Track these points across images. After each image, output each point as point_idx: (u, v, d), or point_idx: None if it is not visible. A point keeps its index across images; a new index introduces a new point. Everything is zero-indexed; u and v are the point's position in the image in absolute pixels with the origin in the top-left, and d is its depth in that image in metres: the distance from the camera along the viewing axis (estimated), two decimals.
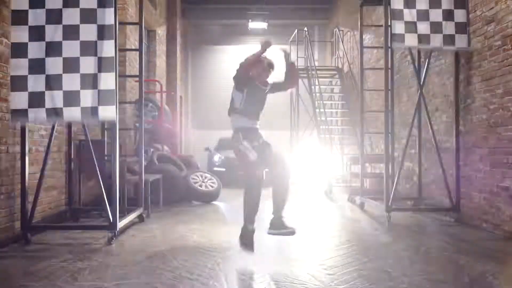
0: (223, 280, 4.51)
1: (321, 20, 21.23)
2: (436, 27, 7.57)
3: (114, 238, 6.30)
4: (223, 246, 6.03)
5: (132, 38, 11.57)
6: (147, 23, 13.72)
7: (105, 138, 8.12)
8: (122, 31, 10.15)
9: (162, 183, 10.00)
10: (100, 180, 6.58)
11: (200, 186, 10.84)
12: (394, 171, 9.02)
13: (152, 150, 11.62)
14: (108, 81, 5.94)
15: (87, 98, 5.89)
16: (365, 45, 10.68)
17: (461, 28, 7.54)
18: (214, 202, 10.77)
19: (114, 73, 5.96)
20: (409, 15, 7.62)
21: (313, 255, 5.62)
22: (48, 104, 5.81)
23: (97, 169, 6.66)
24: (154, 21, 14.97)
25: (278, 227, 5.66)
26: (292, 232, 5.63)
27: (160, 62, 15.97)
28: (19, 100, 5.76)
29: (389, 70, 8.66)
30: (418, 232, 7.15)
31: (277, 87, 5.99)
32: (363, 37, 10.38)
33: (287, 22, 21.05)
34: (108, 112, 5.95)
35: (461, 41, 7.51)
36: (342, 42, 16.42)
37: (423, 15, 7.59)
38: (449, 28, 7.56)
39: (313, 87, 15.39)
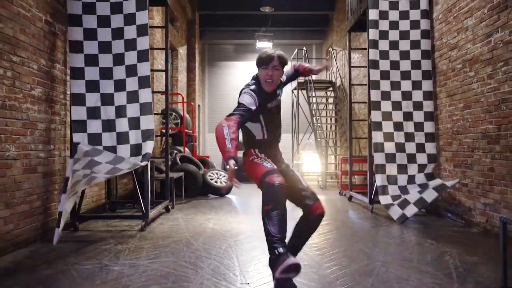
0: (234, 259, 4.91)
1: (317, 40, 21.52)
2: (405, 55, 7.98)
3: (146, 226, 6.71)
4: (234, 232, 6.41)
5: (159, 58, 11.98)
6: (170, 44, 14.13)
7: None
8: (150, 53, 10.55)
9: (184, 180, 10.42)
10: (135, 178, 7.00)
11: (216, 182, 11.16)
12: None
13: (175, 152, 12.04)
14: (146, 95, 6.54)
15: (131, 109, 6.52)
16: (353, 64, 11.05)
17: (426, 54, 7.95)
18: (227, 196, 11.13)
19: (150, 89, 6.53)
20: (383, 44, 8.03)
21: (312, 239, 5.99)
22: (103, 116, 6.33)
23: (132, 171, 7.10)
24: (177, 42, 15.38)
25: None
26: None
27: (182, 77, 16.38)
28: (78, 112, 6.26)
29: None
30: (394, 221, 7.49)
31: (291, 78, 4.28)
32: (352, 56, 10.74)
33: (288, 41, 21.44)
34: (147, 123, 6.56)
35: (426, 65, 7.94)
36: (335, 60, 16.73)
37: (394, 45, 8.01)
38: (415, 55, 7.97)
39: (310, 98, 15.74)
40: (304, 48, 16.81)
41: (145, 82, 6.49)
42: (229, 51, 22.89)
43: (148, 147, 6.40)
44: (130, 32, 6.52)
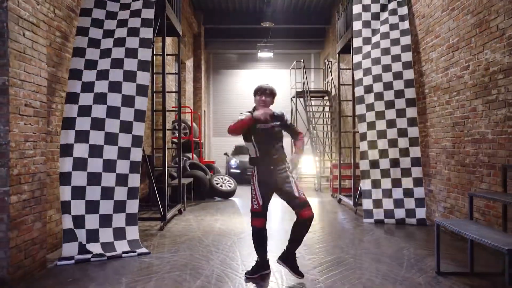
0: (237, 252, 6.24)
1: (315, 50, 22.63)
2: (387, 68, 8.91)
3: (164, 226, 8.04)
4: (237, 231, 7.73)
5: (169, 68, 13.27)
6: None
7: (154, 154, 9.78)
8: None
9: (193, 184, 11.71)
10: (154, 184, 8.30)
11: (221, 186, 12.42)
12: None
13: (185, 159, 13.31)
14: (142, 102, 6.63)
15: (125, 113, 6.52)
16: (345, 79, 12.29)
17: (410, 83, 8.68)
18: (231, 198, 12.41)
19: (143, 123, 7.45)
20: (366, 62, 9.04)
21: None
22: (91, 140, 6.34)
23: (152, 177, 8.44)
24: (184, 55, 16.67)
25: (289, 262, 5.11)
26: (300, 276, 5.05)
27: (189, 87, 17.67)
28: (71, 110, 6.31)
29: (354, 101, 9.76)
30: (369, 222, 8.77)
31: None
32: (345, 72, 11.97)
33: (288, 51, 22.72)
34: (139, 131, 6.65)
35: (408, 75, 8.72)
36: (331, 71, 17.97)
37: (376, 61, 8.95)
38: (397, 67, 8.75)
39: (308, 107, 17.01)
40: (302, 60, 18.06)
41: (140, 115, 6.60)
42: (232, 60, 24.19)
43: (135, 180, 6.52)
44: (129, 64, 6.62)
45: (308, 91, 17.61)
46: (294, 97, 18.72)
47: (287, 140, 7.62)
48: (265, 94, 5.03)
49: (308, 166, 16.99)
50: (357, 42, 9.40)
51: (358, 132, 9.24)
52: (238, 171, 16.65)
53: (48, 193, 6.03)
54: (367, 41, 9.34)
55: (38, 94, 5.25)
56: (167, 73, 9.87)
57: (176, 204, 9.71)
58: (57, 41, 6.31)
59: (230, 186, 12.60)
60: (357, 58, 9.30)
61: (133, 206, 6.50)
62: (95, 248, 6.04)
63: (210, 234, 7.54)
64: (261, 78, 23.75)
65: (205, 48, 21.41)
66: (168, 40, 13.00)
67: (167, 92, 9.52)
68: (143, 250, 6.25)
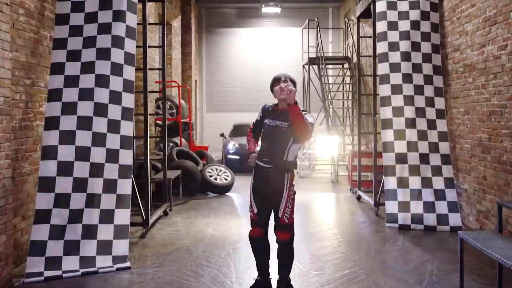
0: (232, 267, 6.80)
1: (334, 3, 22.99)
2: (416, 47, 9.52)
3: (147, 232, 8.60)
4: (233, 239, 8.27)
5: (151, 35, 13.69)
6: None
7: (134, 143, 10.21)
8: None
9: (181, 177, 12.23)
10: (133, 180, 8.75)
11: (215, 179, 12.92)
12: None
13: (171, 145, 13.79)
14: (129, 99, 7.39)
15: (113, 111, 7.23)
16: (363, 52, 12.68)
17: (438, 70, 9.31)
18: (228, 194, 12.93)
19: (132, 122, 7.81)
20: (392, 35, 9.49)
21: (306, 245, 7.83)
22: (77, 142, 6.95)
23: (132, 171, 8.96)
24: (170, 15, 17.00)
25: None
26: None
27: (176, 53, 18.06)
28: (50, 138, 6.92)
29: (377, 77, 10.21)
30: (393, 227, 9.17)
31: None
32: (365, 38, 12.31)
33: (300, 5, 22.88)
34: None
35: (436, 60, 9.51)
36: (352, 33, 18.26)
37: (404, 36, 9.44)
38: (426, 47, 9.36)
39: (323, 78, 17.38)
40: (316, 19, 18.34)
41: (128, 113, 7.27)
42: (230, 16, 24.54)
43: (125, 186, 7.18)
44: (116, 55, 7.25)
45: (324, 57, 17.94)
46: (306, 64, 19.07)
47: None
48: (283, 81, 5.51)
49: (323, 151, 17.32)
50: (380, 5, 9.73)
51: (379, 115, 9.69)
52: (237, 157, 17.00)
53: (11, 199, 6.56)
54: (392, 5, 9.65)
55: (2, 89, 5.75)
56: (149, 46, 10.32)
57: (161, 203, 10.26)
58: (21, 20, 6.77)
59: (226, 179, 13.11)
60: (381, 26, 9.66)
61: (122, 217, 7.08)
62: (71, 263, 6.58)
63: (200, 243, 8.09)
64: (266, 39, 23.99)
65: (196, 3, 21.67)
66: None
67: (149, 69, 9.97)
68: (124, 264, 6.80)
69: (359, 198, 11.85)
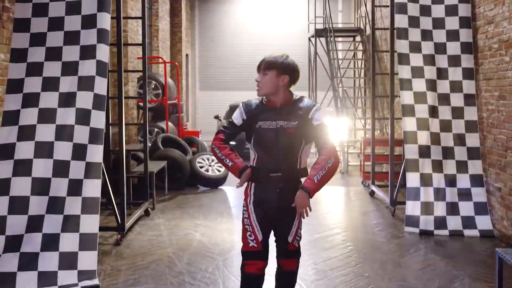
0: (221, 285, 6.26)
1: None
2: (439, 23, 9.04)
3: (123, 239, 8.05)
4: (224, 248, 7.73)
5: (132, 3, 13.13)
6: None
7: (109, 130, 9.69)
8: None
9: (168, 169, 11.72)
10: (106, 175, 8.18)
11: (207, 170, 12.45)
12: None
13: (156, 131, 13.30)
14: (101, 84, 7.07)
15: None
16: (379, 25, 12.10)
17: (467, 47, 8.90)
18: (221, 187, 12.45)
19: (104, 112, 7.06)
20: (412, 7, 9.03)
21: (311, 256, 7.29)
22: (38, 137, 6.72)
23: (109, 164, 8.42)
24: None
25: None
26: None
27: (163, 24, 17.50)
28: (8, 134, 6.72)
29: (395, 53, 9.73)
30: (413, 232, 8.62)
31: (314, 137, 4.50)
32: (381, 8, 11.75)
33: None
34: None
35: (466, 36, 8.93)
36: (365, 1, 17.69)
37: (425, 11, 9.04)
38: (452, 23, 8.98)
39: (331, 52, 16.83)
40: None
41: (99, 101, 6.93)
42: None
43: (94, 187, 6.73)
44: (87, 37, 7.09)
45: (333, 29, 17.50)
46: (312, 36, 18.65)
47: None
48: (262, 71, 4.51)
49: (331, 136, 16.92)
50: None
51: (398, 97, 9.22)
52: (233, 143, 16.57)
53: None
54: None
55: None
56: (125, 18, 9.73)
57: (143, 201, 9.77)
58: None
59: (219, 170, 12.66)
60: None
61: (90, 224, 6.61)
62: (27, 280, 6.10)
63: (185, 251, 7.57)
64: (267, 8, 23.52)
65: None
66: None
67: (127, 44, 9.42)
68: (91, 282, 6.28)
69: (372, 193, 11.33)
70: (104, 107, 7.01)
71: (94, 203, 6.71)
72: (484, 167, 8.69)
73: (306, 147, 4.53)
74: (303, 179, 4.52)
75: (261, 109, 4.53)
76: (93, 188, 6.76)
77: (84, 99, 6.85)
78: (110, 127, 9.60)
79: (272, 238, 4.69)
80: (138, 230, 8.71)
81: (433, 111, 8.86)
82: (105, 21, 7.10)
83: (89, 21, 7.07)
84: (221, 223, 9.18)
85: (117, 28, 8.05)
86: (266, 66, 4.47)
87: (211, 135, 16.91)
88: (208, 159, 12.83)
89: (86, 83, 6.90)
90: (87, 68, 6.96)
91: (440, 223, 8.44)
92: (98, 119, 6.90)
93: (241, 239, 4.67)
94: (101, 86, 6.99)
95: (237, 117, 4.61)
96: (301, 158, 4.53)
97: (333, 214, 10.02)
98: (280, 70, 4.44)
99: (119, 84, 8.23)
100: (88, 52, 6.98)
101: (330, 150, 4.39)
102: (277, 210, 4.53)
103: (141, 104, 13.15)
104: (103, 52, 7.06)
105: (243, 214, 4.65)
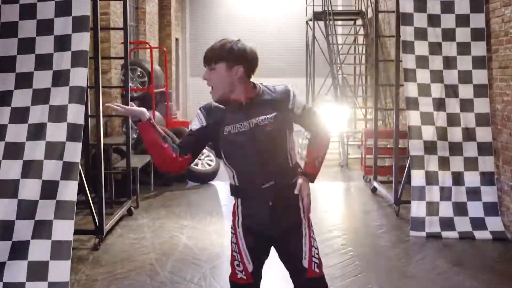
0: None
1: None
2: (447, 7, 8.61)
3: (101, 243, 7.60)
4: (212, 253, 7.31)
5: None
6: None
7: (89, 123, 9.24)
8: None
9: (153, 164, 11.27)
10: (82, 171, 7.71)
11: (196, 164, 11.99)
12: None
13: None
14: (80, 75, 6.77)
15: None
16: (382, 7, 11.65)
17: (479, 34, 8.54)
18: (211, 183, 12.04)
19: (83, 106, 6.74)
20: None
21: None
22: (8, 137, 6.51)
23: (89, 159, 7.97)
24: None
25: None
26: None
27: (151, 6, 17.05)
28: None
29: (400, 38, 9.22)
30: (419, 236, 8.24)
31: (301, 121, 3.91)
32: None
33: None
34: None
35: (477, 21, 8.56)
36: None
37: None
38: (463, 35, 8.61)
39: (330, 36, 16.45)
40: None
41: (78, 94, 6.62)
42: None
43: (69, 190, 6.37)
44: (61, 25, 6.79)
45: (332, 11, 17.18)
46: (310, 20, 18.43)
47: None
48: (208, 65, 3.72)
49: (329, 126, 16.55)
50: None
51: (403, 86, 8.88)
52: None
53: None
54: None
55: None
56: None
57: (125, 199, 9.36)
58: None
59: (209, 164, 12.28)
60: None
61: (63, 230, 6.23)
62: None
63: (169, 257, 7.16)
64: None
65: None
66: None
67: (108, 28, 8.98)
68: None
69: (374, 190, 10.90)
70: (83, 100, 6.64)
71: (69, 207, 6.30)
72: (497, 164, 8.29)
73: (290, 137, 3.79)
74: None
75: (224, 110, 3.69)
76: (68, 190, 6.37)
77: (59, 94, 6.55)
78: (90, 119, 9.15)
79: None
80: (119, 232, 8.29)
81: (439, 104, 8.56)
82: (82, 6, 6.78)
83: (63, 8, 6.78)
84: (210, 224, 8.77)
85: (93, 11, 7.57)
86: (211, 59, 3.67)
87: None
88: None
89: (61, 77, 6.63)
90: (63, 60, 6.68)
91: (447, 224, 8.13)
92: (76, 114, 6.56)
93: (230, 265, 3.90)
94: (79, 77, 6.65)
95: (195, 124, 3.76)
96: (291, 153, 3.77)
97: (332, 214, 9.59)
98: (230, 61, 3.64)
99: (95, 72, 7.87)
100: (63, 43, 6.72)
101: (324, 128, 3.92)
102: (274, 229, 3.75)
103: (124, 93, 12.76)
104: (80, 41, 6.71)
105: (231, 237, 3.86)
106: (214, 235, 8.14)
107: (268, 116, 3.66)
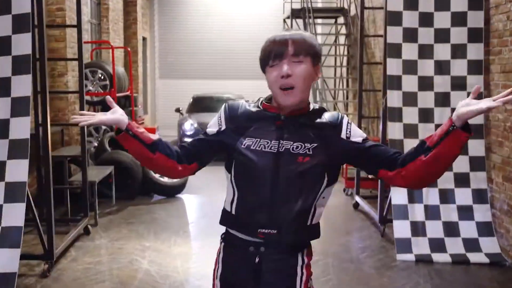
0: None
1: None
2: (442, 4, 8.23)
3: (51, 269, 7.11)
4: (175, 281, 6.87)
5: None
6: None
7: (39, 132, 8.72)
8: None
9: (115, 175, 10.86)
10: (31, 198, 7.22)
11: (162, 176, 11.53)
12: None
13: (104, 128, 12.43)
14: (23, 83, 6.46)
15: None
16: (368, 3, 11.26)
17: (476, 35, 8.21)
18: (179, 196, 11.61)
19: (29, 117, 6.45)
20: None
21: None
22: None
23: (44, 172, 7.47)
24: None
25: None
26: None
27: (115, 3, 16.62)
28: None
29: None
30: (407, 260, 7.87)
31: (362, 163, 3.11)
32: None
33: None
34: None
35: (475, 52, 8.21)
36: None
37: None
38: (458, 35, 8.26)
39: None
40: None
41: (22, 105, 6.38)
42: None
43: (16, 212, 6.14)
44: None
45: (312, 8, 16.94)
46: (288, 17, 18.25)
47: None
48: (290, 57, 2.86)
49: None
50: None
51: (385, 102, 8.54)
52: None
53: None
54: None
55: None
56: None
57: (81, 217, 8.90)
58: None
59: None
60: None
61: (7, 259, 5.99)
62: None
63: (127, 287, 6.70)
64: None
65: None
66: None
67: (57, 26, 8.50)
68: None
69: (356, 206, 10.53)
70: (28, 111, 6.33)
71: (13, 234, 6.05)
72: (496, 180, 7.95)
73: (327, 190, 2.99)
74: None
75: (254, 116, 3.00)
76: (13, 213, 6.11)
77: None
78: (40, 128, 8.63)
79: None
80: (73, 255, 7.80)
81: (427, 115, 8.28)
82: (23, 2, 6.40)
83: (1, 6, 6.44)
84: (175, 246, 8.31)
85: (37, 5, 7.05)
86: (301, 48, 2.84)
87: (172, 130, 16.54)
88: None
89: (1, 87, 6.34)
90: (3, 67, 6.38)
91: (438, 245, 7.86)
92: (20, 128, 6.28)
93: None
94: (22, 85, 6.33)
95: (213, 125, 3.09)
96: (316, 208, 2.96)
97: (322, 234, 9.12)
98: (315, 57, 2.90)
99: (41, 76, 7.30)
100: (2, 47, 6.40)
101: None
102: None
103: (87, 97, 12.31)
104: (22, 43, 6.36)
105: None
106: (179, 259, 7.69)
107: (306, 144, 2.89)
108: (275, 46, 2.87)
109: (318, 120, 2.97)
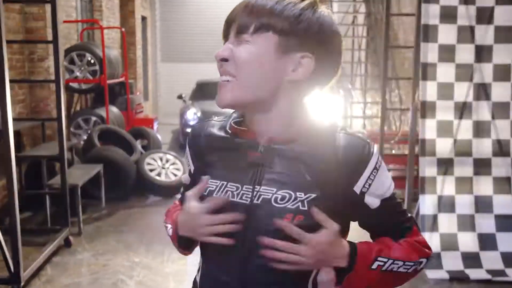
0: None
1: None
2: None
3: None
4: None
5: None
6: None
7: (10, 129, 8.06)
8: None
9: (105, 175, 10.26)
10: None
11: (159, 175, 11.13)
12: None
13: (94, 119, 11.87)
14: None
15: None
16: None
17: None
18: (177, 196, 10.89)
19: None
20: None
21: None
22: None
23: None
24: None
25: None
26: None
27: None
28: None
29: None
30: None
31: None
32: None
33: None
34: None
35: None
36: None
37: None
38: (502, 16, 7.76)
39: None
40: None
41: None
42: None
43: None
44: None
45: None
46: None
47: None
48: (233, 33, 1.96)
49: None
50: None
51: (420, 92, 7.96)
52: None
53: None
54: None
55: None
56: None
57: (61, 227, 8.16)
58: None
59: (175, 174, 11.36)
60: None
61: None
62: None
63: None
64: None
65: None
66: None
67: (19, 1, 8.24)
68: None
69: None
70: None
71: None
72: None
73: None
74: None
75: (218, 144, 2.06)
76: None
77: None
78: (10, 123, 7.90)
79: None
80: (49, 275, 7.06)
81: (464, 110, 7.86)
82: None
83: None
84: (168, 261, 7.61)
85: None
86: (250, 19, 1.88)
87: (175, 118, 16.16)
88: (161, 159, 11.52)
89: None
90: None
91: (472, 260, 7.49)
92: None
93: None
94: None
95: (185, 178, 2.30)
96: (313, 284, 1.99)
97: None
98: (291, 36, 1.89)
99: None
100: None
101: (420, 242, 2.05)
102: None
103: (73, 85, 11.87)
104: None
105: None
106: (172, 280, 7.02)
107: (299, 194, 1.88)
108: (229, 16, 1.98)
109: (322, 150, 1.92)
